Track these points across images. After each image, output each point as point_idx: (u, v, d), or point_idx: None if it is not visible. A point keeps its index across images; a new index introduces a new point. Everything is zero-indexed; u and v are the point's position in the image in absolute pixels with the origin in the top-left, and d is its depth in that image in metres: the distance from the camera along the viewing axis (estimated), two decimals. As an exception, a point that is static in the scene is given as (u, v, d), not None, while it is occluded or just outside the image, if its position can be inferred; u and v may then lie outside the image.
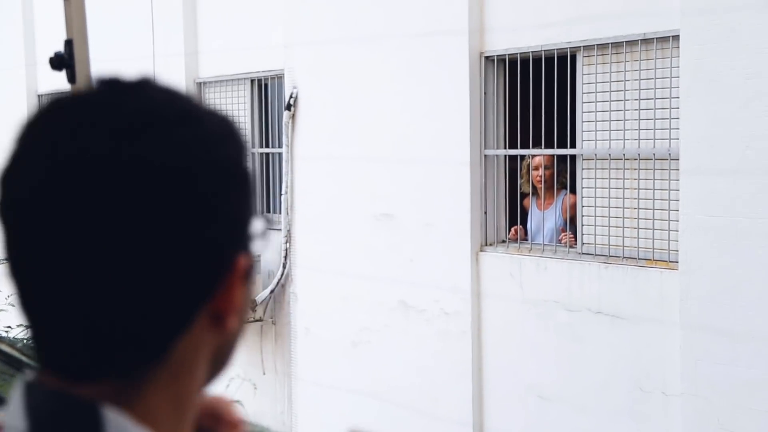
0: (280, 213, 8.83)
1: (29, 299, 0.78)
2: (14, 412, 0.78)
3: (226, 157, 0.81)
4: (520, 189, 7.22)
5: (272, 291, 8.73)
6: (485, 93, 7.13)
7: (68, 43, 1.76)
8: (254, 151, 9.49)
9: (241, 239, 0.82)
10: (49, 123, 0.79)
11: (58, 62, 1.73)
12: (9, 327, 5.99)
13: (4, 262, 0.79)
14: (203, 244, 0.78)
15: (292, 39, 8.58)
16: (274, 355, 8.83)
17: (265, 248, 8.83)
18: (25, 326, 0.80)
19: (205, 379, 0.85)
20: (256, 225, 0.85)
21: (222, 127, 0.82)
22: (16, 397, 0.79)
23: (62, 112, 0.79)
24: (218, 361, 0.86)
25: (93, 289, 0.75)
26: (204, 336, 0.81)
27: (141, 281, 0.75)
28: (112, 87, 0.80)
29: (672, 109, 5.92)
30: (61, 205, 0.74)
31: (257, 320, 8.82)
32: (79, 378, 0.77)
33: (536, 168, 6.92)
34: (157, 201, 0.75)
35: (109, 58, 6.62)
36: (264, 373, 8.79)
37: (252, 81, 9.36)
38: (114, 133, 0.75)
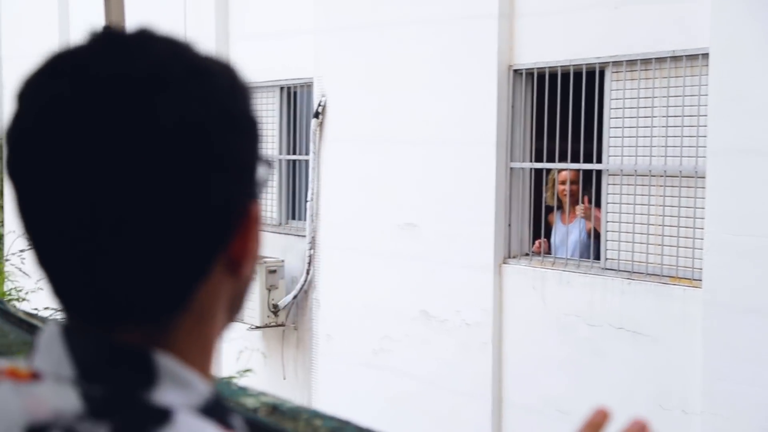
0: (305, 220, 8.92)
1: (47, 254, 0.79)
2: (56, 360, 0.78)
3: (235, 108, 0.81)
4: (545, 203, 7.28)
5: (295, 297, 8.77)
6: (513, 106, 7.17)
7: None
8: (281, 158, 9.64)
9: (251, 187, 0.82)
10: (80, 59, 0.77)
11: None
12: (36, 309, 5.96)
13: (20, 223, 0.79)
14: (216, 195, 0.78)
15: (322, 47, 8.66)
16: (296, 360, 8.86)
17: (289, 254, 8.94)
18: (49, 290, 0.80)
19: (224, 323, 0.86)
20: (262, 172, 0.85)
21: (229, 78, 0.82)
22: (52, 344, 0.79)
23: (70, 69, 0.76)
24: (234, 307, 0.87)
25: (115, 242, 0.75)
26: (222, 283, 0.82)
27: (159, 231, 0.75)
28: (117, 41, 0.78)
29: (699, 127, 5.93)
30: (78, 161, 0.73)
31: (279, 325, 8.86)
32: (107, 326, 0.77)
33: (563, 182, 6.97)
34: (171, 156, 0.74)
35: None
36: (284, 378, 8.84)
37: (281, 88, 9.42)
38: (128, 89, 0.74)
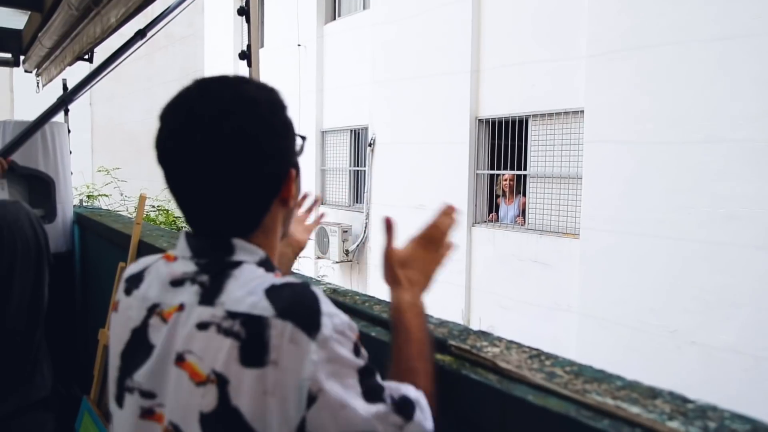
0: (363, 203, 8.74)
1: (182, 203, 0.77)
2: (182, 249, 0.79)
3: (274, 118, 0.77)
4: (496, 192, 7.12)
5: (357, 245, 8.67)
6: (478, 140, 7.07)
7: (248, 47, 1.78)
8: (351, 168, 9.33)
9: (290, 161, 0.79)
10: (188, 101, 0.75)
11: (243, 55, 1.79)
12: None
13: (166, 185, 0.76)
14: (268, 168, 0.76)
15: (374, 108, 8.49)
16: (358, 280, 8.73)
17: (354, 222, 8.89)
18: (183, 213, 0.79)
19: (281, 233, 0.84)
20: (298, 148, 0.81)
21: (270, 100, 0.77)
22: (181, 242, 0.79)
23: (195, 96, 0.75)
24: (286, 223, 0.85)
25: (215, 197, 0.74)
26: (278, 211, 0.80)
27: (238, 189, 0.74)
28: (205, 88, 0.75)
29: (578, 146, 5.92)
30: (189, 157, 0.72)
31: (349, 261, 8.70)
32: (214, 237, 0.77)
33: (505, 180, 6.83)
34: (237, 151, 0.72)
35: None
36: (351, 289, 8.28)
37: (351, 131, 9.30)
38: (210, 117, 0.72)
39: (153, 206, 5.32)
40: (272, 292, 0.70)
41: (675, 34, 5.00)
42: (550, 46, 6.12)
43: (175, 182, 0.75)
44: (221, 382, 0.67)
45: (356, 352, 0.70)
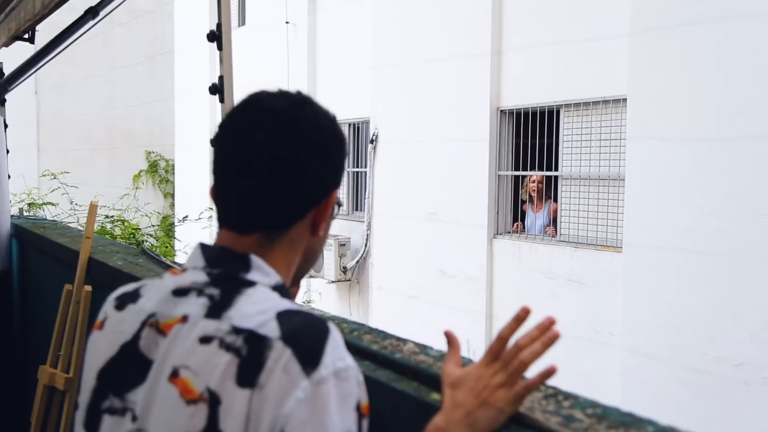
0: (364, 210, 8.80)
1: (221, 192, 0.88)
2: (195, 258, 0.87)
3: (340, 137, 0.89)
4: (521, 197, 7.16)
5: (357, 261, 8.72)
6: (500, 135, 7.09)
7: (221, 78, 1.81)
8: (349, 170, 9.28)
9: (337, 182, 0.89)
10: (258, 101, 0.87)
11: (214, 89, 1.82)
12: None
13: (213, 174, 0.87)
14: (321, 180, 0.86)
15: (376, 97, 8.53)
16: (358, 303, 8.79)
17: (354, 233, 8.96)
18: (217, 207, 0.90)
19: (300, 266, 0.91)
20: (337, 208, 0.92)
21: (330, 115, 0.90)
22: (194, 251, 0.88)
23: (263, 105, 0.87)
24: (309, 256, 0.92)
25: (255, 188, 0.84)
26: (305, 234, 0.89)
27: (281, 187, 0.84)
28: (287, 95, 0.88)
29: (621, 147, 5.85)
30: (257, 148, 0.83)
31: (347, 280, 8.81)
32: (242, 231, 0.86)
33: (533, 182, 6.84)
34: (305, 153, 0.84)
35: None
36: (350, 315, 8.73)
37: (350, 124, 9.29)
38: (273, 119, 0.84)
39: (108, 216, 5.33)
40: (284, 316, 0.77)
41: (739, 3, 4.94)
42: (585, 22, 6.14)
43: (223, 168, 0.86)
44: (213, 401, 0.73)
45: (359, 421, 0.74)
